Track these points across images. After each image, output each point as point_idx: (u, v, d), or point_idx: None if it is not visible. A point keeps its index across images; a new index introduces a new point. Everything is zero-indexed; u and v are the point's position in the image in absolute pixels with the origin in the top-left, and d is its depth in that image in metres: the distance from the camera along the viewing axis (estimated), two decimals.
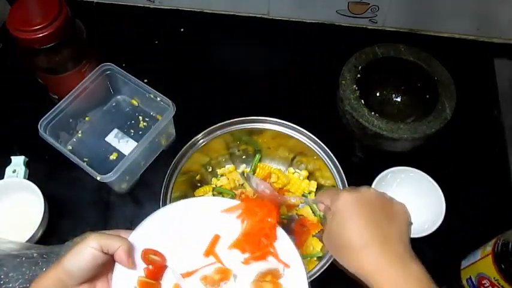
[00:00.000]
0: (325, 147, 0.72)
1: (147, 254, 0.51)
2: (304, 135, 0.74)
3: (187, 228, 0.54)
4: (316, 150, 0.73)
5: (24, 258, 0.66)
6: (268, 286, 0.51)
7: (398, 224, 0.49)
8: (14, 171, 0.81)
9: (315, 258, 0.70)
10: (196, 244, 0.53)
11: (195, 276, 0.52)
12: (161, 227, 0.53)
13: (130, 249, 0.49)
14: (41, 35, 0.74)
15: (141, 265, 0.51)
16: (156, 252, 0.52)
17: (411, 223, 0.51)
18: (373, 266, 0.45)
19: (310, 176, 0.78)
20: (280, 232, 0.54)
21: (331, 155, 0.72)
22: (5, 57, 0.98)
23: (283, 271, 0.52)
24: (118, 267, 0.50)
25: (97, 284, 0.49)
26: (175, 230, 0.53)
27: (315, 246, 0.72)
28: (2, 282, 0.65)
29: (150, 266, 0.51)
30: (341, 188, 0.70)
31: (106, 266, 0.49)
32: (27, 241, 0.70)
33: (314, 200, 0.57)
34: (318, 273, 0.63)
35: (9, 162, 0.82)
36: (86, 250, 0.47)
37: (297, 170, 0.80)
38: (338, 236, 0.48)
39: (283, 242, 0.53)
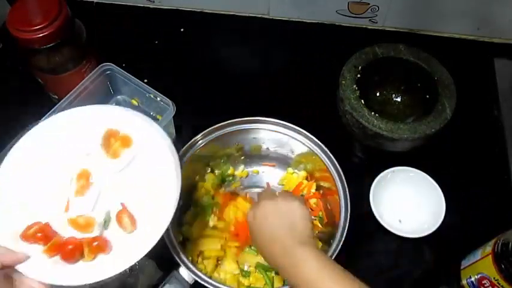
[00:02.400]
0: (324, 147, 0.72)
1: (26, 236, 0.51)
2: (302, 135, 0.73)
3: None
4: (315, 151, 0.73)
5: None
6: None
7: (287, 222, 0.57)
8: None
9: None
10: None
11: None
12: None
13: (9, 251, 0.49)
14: (41, 35, 0.74)
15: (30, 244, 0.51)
16: (31, 226, 0.52)
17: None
18: (268, 259, 0.58)
19: (310, 177, 0.78)
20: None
21: (330, 154, 0.71)
22: (5, 57, 0.98)
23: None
24: (20, 268, 0.49)
25: None
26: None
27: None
28: None
29: (39, 234, 0.51)
30: (341, 188, 0.69)
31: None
32: None
33: None
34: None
35: None
36: None
37: (296, 171, 0.80)
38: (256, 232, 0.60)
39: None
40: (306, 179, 0.78)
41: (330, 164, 0.71)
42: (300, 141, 0.74)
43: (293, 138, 0.74)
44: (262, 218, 0.59)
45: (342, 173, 0.70)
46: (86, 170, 0.57)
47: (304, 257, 0.52)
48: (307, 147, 0.73)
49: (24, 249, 0.50)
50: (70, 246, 0.51)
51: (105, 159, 0.58)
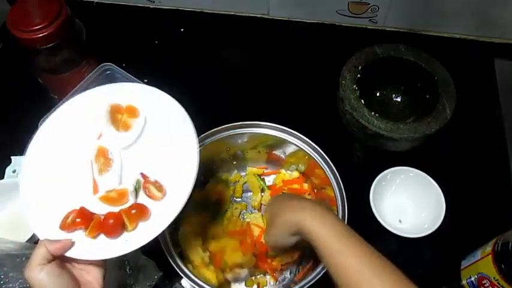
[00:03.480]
0: (316, 146, 0.72)
1: (66, 226, 0.52)
2: (294, 137, 0.73)
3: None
4: (306, 150, 0.72)
5: (24, 258, 0.66)
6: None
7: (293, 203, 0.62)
8: (14, 171, 0.81)
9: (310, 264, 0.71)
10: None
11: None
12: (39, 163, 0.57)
13: (51, 241, 0.50)
14: (41, 35, 0.74)
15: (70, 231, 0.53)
16: (67, 216, 0.53)
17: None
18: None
19: (305, 177, 0.78)
20: None
21: (322, 153, 0.71)
22: (5, 57, 0.98)
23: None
24: (70, 254, 0.51)
25: (86, 278, 0.51)
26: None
27: None
28: (2, 282, 0.65)
29: (78, 220, 0.53)
30: (335, 186, 0.69)
31: (63, 265, 0.50)
32: (27, 241, 0.70)
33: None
34: (317, 277, 0.62)
35: (9, 162, 0.82)
36: (39, 280, 0.47)
37: (288, 171, 0.79)
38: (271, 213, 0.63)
39: None
40: (299, 178, 0.78)
41: (323, 162, 0.71)
42: (291, 142, 0.73)
43: (284, 139, 0.74)
44: (275, 203, 0.64)
45: (335, 171, 0.69)
46: (101, 147, 0.58)
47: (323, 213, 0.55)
48: (298, 146, 0.73)
49: (68, 238, 0.52)
50: (111, 221, 0.53)
51: (117, 133, 0.59)
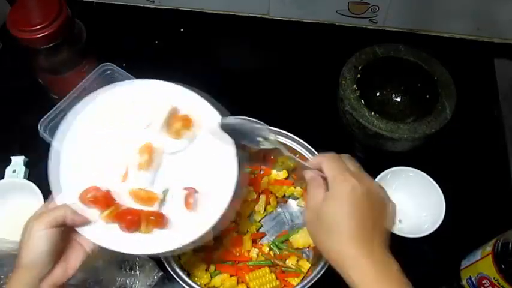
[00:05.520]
0: (304, 142, 0.71)
1: (84, 199, 0.52)
2: (283, 136, 0.72)
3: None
4: (296, 148, 0.71)
5: None
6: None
7: (384, 225, 0.50)
8: (14, 171, 0.81)
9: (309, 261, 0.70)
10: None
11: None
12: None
13: (73, 210, 0.51)
14: (41, 35, 0.74)
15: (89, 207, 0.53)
16: (89, 190, 0.53)
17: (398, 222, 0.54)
18: (351, 261, 0.46)
19: (295, 175, 0.77)
20: None
21: (312, 149, 0.70)
22: (5, 57, 0.98)
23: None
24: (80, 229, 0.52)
25: (68, 254, 0.51)
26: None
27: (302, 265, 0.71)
28: (2, 282, 0.65)
29: (99, 199, 0.53)
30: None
31: (63, 235, 0.50)
32: None
33: (310, 163, 0.53)
34: (315, 279, 0.62)
35: (9, 162, 0.82)
36: (39, 235, 0.47)
37: (275, 171, 0.79)
38: (328, 218, 0.48)
39: None
40: (287, 178, 0.78)
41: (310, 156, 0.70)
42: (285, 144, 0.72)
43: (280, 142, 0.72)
44: (362, 201, 0.48)
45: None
46: (149, 145, 0.57)
47: (399, 275, 0.46)
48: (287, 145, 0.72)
49: (84, 212, 0.52)
50: (129, 217, 0.53)
51: (167, 137, 0.58)
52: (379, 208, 0.50)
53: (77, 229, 0.52)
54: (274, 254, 0.72)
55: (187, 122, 0.59)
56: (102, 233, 0.52)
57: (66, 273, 0.51)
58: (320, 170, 0.52)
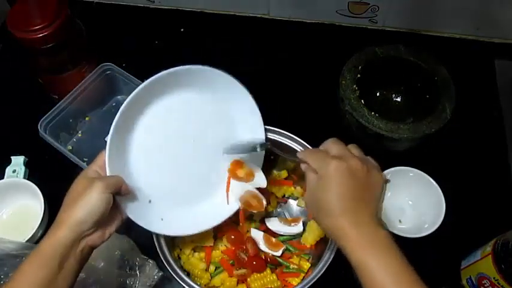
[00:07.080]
0: (302, 141, 0.71)
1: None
2: (279, 134, 0.72)
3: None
4: (295, 148, 0.71)
5: (24, 258, 0.66)
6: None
7: (371, 196, 0.54)
8: (14, 171, 0.81)
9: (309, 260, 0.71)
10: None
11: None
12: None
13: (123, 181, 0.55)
14: (41, 35, 0.74)
15: None
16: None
17: (386, 182, 0.59)
18: (342, 231, 0.51)
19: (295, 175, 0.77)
20: None
21: (310, 147, 0.70)
22: (5, 57, 0.98)
23: None
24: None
25: (107, 220, 0.54)
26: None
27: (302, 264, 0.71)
28: (2, 282, 0.65)
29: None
30: None
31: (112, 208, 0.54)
32: (27, 241, 0.70)
33: (299, 159, 0.58)
34: (317, 277, 0.62)
35: (9, 162, 0.82)
36: (100, 197, 0.51)
37: (275, 171, 0.78)
38: (320, 199, 0.53)
39: None
40: (287, 178, 0.78)
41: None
42: (287, 145, 0.72)
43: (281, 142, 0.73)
44: (346, 177, 0.52)
45: None
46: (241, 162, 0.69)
47: (387, 239, 0.50)
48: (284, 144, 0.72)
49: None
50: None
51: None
52: (365, 182, 0.53)
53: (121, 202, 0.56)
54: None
55: (249, 175, 0.68)
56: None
57: (103, 236, 0.54)
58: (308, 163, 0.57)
